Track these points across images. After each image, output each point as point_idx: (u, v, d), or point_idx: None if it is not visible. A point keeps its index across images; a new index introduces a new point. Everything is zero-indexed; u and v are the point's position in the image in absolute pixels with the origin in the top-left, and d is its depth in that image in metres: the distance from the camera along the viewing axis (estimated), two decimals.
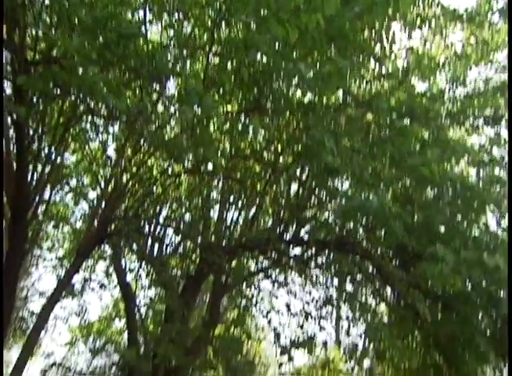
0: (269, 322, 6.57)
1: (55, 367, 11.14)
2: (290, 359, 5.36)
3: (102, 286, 9.75)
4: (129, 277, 9.01)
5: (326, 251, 7.17)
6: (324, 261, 7.31)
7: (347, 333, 5.93)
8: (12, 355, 10.51)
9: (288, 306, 6.64)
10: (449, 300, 5.26)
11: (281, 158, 7.24)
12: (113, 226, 7.68)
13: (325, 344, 6.28)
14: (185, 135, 5.91)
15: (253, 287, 7.37)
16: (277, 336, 5.31)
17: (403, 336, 6.94)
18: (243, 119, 6.50)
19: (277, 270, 7.69)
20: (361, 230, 6.84)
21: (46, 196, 8.68)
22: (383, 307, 6.91)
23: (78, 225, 10.12)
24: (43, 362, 11.68)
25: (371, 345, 8.74)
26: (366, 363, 9.29)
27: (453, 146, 5.06)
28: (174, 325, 5.52)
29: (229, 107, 6.60)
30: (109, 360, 11.73)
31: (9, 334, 9.80)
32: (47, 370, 11.19)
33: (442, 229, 5.07)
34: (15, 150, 6.47)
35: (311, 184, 6.67)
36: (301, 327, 5.01)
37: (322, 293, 7.52)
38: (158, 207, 8.14)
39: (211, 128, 6.48)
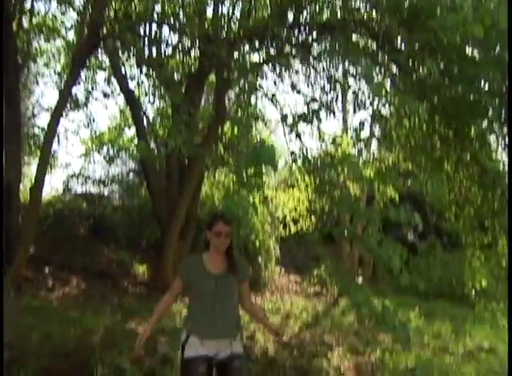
0: (275, 104, 6.53)
1: (75, 178, 11.68)
2: (298, 135, 5.42)
3: (105, 95, 9.70)
4: (132, 85, 8.94)
5: (329, 36, 6.85)
6: (327, 45, 7.01)
7: (354, 111, 5.88)
8: (32, 169, 10.87)
9: (293, 87, 6.53)
10: (456, 62, 5.15)
11: None
12: (105, 30, 7.36)
13: (333, 113, 6.26)
14: None
15: (257, 77, 7.20)
16: (284, 117, 5.30)
17: (409, 113, 6.96)
18: None
19: (281, 62, 7.43)
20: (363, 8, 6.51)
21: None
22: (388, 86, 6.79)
23: (70, 37, 9.79)
24: (63, 173, 12.28)
25: (377, 126, 8.89)
26: (374, 144, 9.56)
27: None
28: (181, 117, 5.52)
29: None
30: (126, 167, 12.23)
31: (24, 151, 9.96)
32: (68, 181, 11.77)
33: None
34: None
35: None
36: (307, 104, 4.92)
37: (326, 80, 7.35)
38: (150, 6, 7.70)
39: None
